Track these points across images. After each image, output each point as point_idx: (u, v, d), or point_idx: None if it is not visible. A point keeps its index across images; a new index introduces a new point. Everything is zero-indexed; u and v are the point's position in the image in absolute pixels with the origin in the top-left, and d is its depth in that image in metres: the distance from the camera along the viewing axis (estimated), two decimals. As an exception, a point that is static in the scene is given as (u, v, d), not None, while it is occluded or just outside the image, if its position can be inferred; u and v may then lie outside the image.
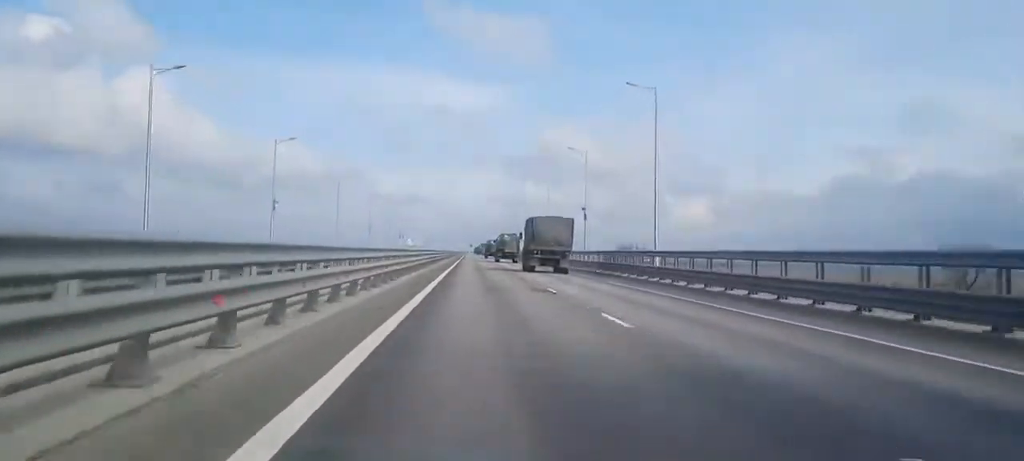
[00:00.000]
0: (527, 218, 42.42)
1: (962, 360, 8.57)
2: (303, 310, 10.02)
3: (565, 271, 36.74)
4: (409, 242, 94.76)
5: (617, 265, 40.50)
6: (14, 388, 4.07)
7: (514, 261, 63.12)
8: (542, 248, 37.91)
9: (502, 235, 74.14)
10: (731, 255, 25.12)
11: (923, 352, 9.13)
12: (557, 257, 37.86)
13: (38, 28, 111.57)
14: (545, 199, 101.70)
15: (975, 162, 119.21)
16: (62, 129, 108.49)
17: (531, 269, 37.40)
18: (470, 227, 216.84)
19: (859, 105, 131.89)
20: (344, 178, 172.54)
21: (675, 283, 26.76)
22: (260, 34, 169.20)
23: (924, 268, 14.19)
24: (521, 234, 45.66)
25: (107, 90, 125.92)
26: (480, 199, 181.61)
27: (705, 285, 24.02)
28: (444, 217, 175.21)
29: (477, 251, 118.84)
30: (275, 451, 3.54)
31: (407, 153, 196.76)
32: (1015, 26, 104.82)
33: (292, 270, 9.36)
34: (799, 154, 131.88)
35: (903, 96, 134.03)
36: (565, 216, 40.92)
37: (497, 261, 67.25)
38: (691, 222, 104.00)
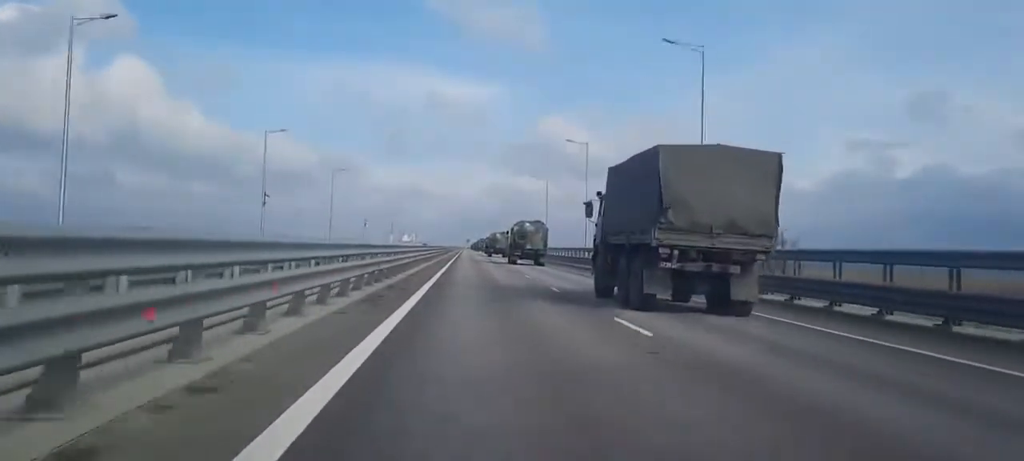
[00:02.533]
0: (641, 153, 14.87)
1: None
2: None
3: (745, 310, 13.66)
4: (405, 238, 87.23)
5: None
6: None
7: (513, 261, 48.26)
8: (700, 243, 13.37)
9: (521, 224, 51.31)
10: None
11: None
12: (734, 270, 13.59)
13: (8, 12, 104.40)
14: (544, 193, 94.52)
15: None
16: (38, 116, 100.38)
17: (647, 302, 13.72)
18: (467, 222, 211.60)
19: (859, 100, 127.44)
20: (339, 172, 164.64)
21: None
22: (251, 25, 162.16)
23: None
24: (600, 207, 18.60)
25: (87, 78, 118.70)
26: (477, 194, 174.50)
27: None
28: (441, 212, 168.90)
29: (475, 247, 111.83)
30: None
31: (404, 148, 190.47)
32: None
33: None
34: (798, 148, 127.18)
35: (903, 92, 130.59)
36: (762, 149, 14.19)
37: (512, 262, 47.65)
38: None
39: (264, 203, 50.72)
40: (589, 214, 19.77)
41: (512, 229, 52.72)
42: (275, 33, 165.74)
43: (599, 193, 18.50)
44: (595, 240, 19.06)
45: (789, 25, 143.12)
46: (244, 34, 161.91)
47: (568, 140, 54.73)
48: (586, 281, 23.14)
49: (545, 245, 50.28)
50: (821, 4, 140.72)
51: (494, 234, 76.60)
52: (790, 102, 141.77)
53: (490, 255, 71.59)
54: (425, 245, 62.25)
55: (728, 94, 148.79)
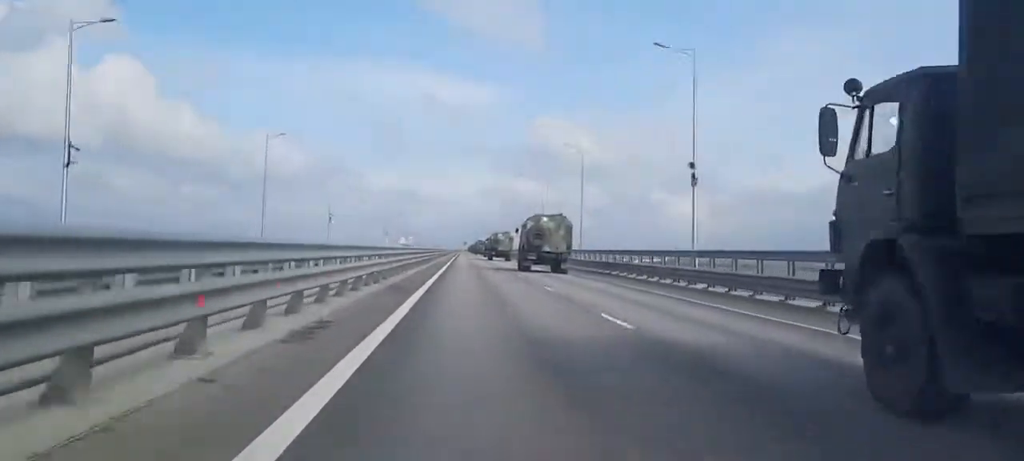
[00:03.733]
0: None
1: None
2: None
3: None
4: (402, 240, 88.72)
5: None
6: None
7: (526, 267, 38.84)
8: None
9: (537, 219, 40.87)
10: None
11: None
12: None
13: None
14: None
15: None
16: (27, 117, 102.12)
17: None
18: (465, 224, 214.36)
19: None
20: (335, 175, 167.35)
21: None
22: (244, 25, 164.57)
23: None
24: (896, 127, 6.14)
25: (78, 78, 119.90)
26: (474, 196, 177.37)
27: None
28: (438, 214, 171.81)
29: (473, 249, 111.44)
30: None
31: (401, 151, 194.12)
32: None
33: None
34: (797, 150, 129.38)
35: None
36: None
37: (524, 269, 38.55)
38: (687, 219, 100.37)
39: (67, 164, 32.27)
40: (828, 149, 6.87)
41: (525, 225, 41.72)
42: (269, 33, 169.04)
43: (854, 90, 6.82)
44: (836, 226, 7.48)
45: (791, 24, 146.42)
46: (238, 34, 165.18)
47: (656, 43, 35.54)
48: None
49: (569, 247, 40.28)
50: (825, 4, 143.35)
51: (495, 234, 73.54)
52: (792, 101, 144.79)
53: (490, 258, 67.08)
54: (407, 247, 55.04)
55: (729, 94, 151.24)
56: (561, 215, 40.96)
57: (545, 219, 40.17)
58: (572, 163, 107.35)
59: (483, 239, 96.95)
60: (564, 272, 37.49)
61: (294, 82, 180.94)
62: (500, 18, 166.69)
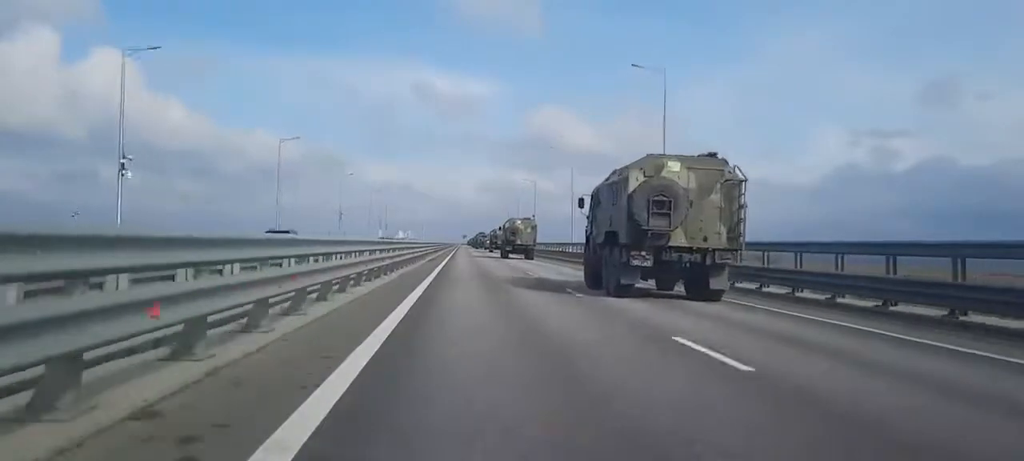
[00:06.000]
0: None
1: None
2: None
3: None
4: (401, 235, 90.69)
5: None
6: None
7: (621, 288, 16.20)
8: None
9: (657, 167, 15.89)
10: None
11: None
12: None
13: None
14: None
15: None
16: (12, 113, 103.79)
17: None
18: (464, 217, 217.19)
19: (857, 94, 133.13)
20: (331, 168, 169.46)
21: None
22: (238, 19, 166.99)
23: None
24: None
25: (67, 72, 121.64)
26: (473, 189, 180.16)
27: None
28: (437, 208, 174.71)
29: (474, 243, 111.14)
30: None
31: (398, 146, 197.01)
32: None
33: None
34: (796, 143, 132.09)
35: (907, 84, 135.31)
36: None
37: (614, 289, 16.84)
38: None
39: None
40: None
41: (623, 177, 16.54)
42: (263, 27, 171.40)
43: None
44: None
45: (791, 18, 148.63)
46: (231, 29, 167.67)
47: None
48: None
49: (740, 242, 16.23)
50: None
51: (511, 221, 57.23)
52: (793, 95, 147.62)
53: (505, 256, 53.55)
54: (404, 240, 46.06)
55: (729, 88, 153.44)
56: (716, 156, 16.91)
57: (673, 168, 16.28)
58: (571, 156, 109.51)
59: (486, 232, 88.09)
60: (716, 295, 16.74)
61: (288, 75, 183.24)
62: (499, 10, 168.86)
